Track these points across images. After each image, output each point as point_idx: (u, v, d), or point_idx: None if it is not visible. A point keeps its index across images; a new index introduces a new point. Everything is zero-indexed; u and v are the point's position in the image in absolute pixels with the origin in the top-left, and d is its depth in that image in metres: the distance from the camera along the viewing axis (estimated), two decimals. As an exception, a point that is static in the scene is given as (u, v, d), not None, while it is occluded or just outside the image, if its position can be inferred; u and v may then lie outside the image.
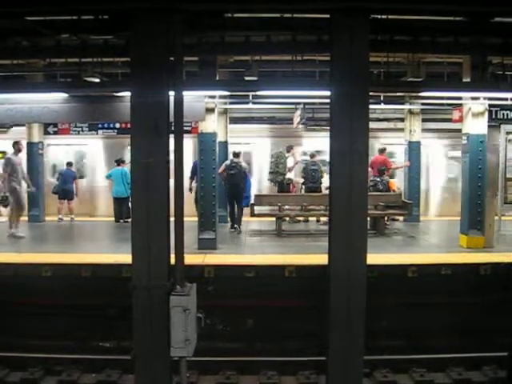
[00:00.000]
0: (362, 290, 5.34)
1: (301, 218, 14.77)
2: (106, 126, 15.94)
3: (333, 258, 5.38)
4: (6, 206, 15.09)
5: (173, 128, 5.34)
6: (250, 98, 13.74)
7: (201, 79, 10.08)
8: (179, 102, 5.31)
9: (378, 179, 13.95)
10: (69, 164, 15.86)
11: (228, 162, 13.49)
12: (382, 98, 13.89)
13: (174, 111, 5.29)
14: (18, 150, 12.86)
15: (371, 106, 11.90)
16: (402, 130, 15.88)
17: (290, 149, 15.35)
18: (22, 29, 7.80)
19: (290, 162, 15.05)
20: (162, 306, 5.22)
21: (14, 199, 12.50)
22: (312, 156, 14.98)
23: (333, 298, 5.37)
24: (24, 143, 14.12)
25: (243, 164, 13.63)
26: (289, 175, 15.00)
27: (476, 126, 11.02)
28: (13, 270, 9.63)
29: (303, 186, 15.03)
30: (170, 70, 5.22)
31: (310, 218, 14.88)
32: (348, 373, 5.42)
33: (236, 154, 13.64)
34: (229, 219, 14.17)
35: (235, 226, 13.60)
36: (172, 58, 5.25)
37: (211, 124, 11.21)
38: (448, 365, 8.44)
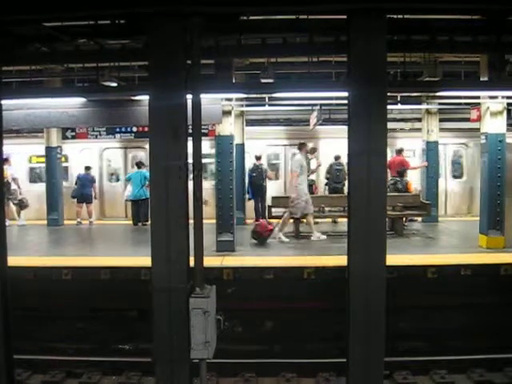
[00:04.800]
0: (382, 291, 5.30)
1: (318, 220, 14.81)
2: (123, 129, 16.06)
3: (352, 259, 5.35)
4: (22, 209, 15.37)
5: (191, 131, 5.36)
6: (267, 100, 13.75)
7: (217, 82, 10.10)
8: (197, 104, 5.33)
9: (398, 178, 13.95)
10: (87, 168, 16.00)
11: (251, 166, 15.51)
12: (398, 99, 13.82)
13: (192, 114, 5.31)
14: (305, 152, 12.86)
15: (388, 107, 11.94)
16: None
17: (313, 151, 15.45)
18: (41, 35, 7.90)
19: (313, 164, 15.18)
20: (181, 308, 5.23)
21: (296, 204, 12.35)
22: (337, 158, 15.12)
23: (352, 300, 5.34)
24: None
25: (264, 166, 15.66)
26: (311, 177, 15.13)
27: (494, 125, 10.92)
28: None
29: (326, 187, 15.18)
30: (188, 72, 5.24)
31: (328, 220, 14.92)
32: (368, 374, 5.39)
33: (257, 158, 15.49)
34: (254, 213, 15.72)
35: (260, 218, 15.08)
36: (189, 61, 5.27)
37: (228, 127, 11.25)
38: (469, 366, 8.38)
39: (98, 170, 17.20)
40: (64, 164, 16.67)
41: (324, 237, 12.52)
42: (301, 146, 12.89)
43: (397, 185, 13.86)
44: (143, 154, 17.05)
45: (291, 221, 12.82)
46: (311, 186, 15.18)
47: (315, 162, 15.45)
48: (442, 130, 16.11)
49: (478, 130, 15.95)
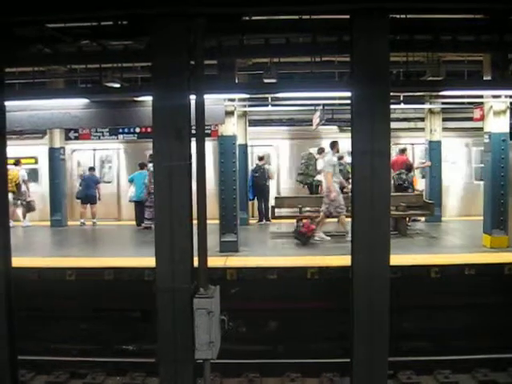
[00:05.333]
0: (386, 291, 5.30)
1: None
2: (126, 130, 16.09)
3: (356, 259, 5.35)
4: (29, 211, 15.42)
5: (194, 131, 5.36)
6: (269, 100, 13.73)
7: (220, 82, 10.10)
8: (201, 105, 5.33)
9: (404, 171, 13.96)
10: (91, 169, 16.00)
11: (253, 166, 15.70)
12: (401, 98, 13.79)
13: (195, 114, 5.31)
14: (337, 151, 12.77)
15: (391, 106, 11.89)
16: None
17: (321, 151, 15.45)
18: (43, 36, 7.91)
19: (319, 165, 15.15)
20: (185, 309, 5.24)
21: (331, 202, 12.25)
22: (340, 158, 15.07)
23: (356, 300, 5.34)
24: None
25: (266, 166, 15.74)
26: (318, 177, 15.10)
27: (498, 124, 10.90)
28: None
29: None
30: (191, 73, 5.24)
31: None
32: (372, 374, 5.39)
33: (260, 158, 15.57)
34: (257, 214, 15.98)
35: (263, 219, 15.61)
36: (193, 62, 5.28)
37: (231, 127, 11.25)
38: (473, 366, 8.36)
39: (68, 171, 17.08)
40: (34, 166, 16.78)
41: (328, 238, 12.49)
42: (332, 145, 12.67)
43: (401, 175, 13.82)
44: (112, 154, 17.27)
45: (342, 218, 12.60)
46: (318, 187, 15.20)
47: (322, 162, 15.41)
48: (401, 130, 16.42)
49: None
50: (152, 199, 14.21)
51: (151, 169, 14.28)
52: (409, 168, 14.19)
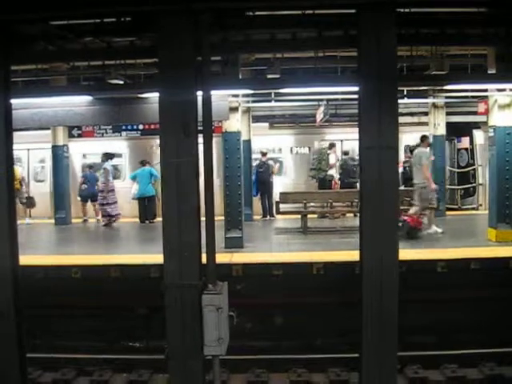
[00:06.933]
0: (394, 286, 5.29)
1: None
2: (129, 127, 16.09)
3: (364, 254, 5.33)
4: (29, 207, 15.46)
5: (201, 127, 5.34)
6: (273, 95, 13.71)
7: (225, 78, 10.07)
8: (208, 101, 5.31)
9: (408, 164, 13.95)
10: (90, 167, 15.96)
11: (257, 162, 15.73)
12: (405, 93, 13.77)
13: (202, 111, 5.29)
14: (427, 144, 12.82)
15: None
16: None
17: (331, 146, 15.56)
18: (47, 34, 7.90)
19: (331, 159, 15.23)
20: (194, 305, 5.23)
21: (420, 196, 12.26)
22: (346, 153, 15.22)
23: (364, 294, 5.32)
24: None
25: (270, 162, 15.91)
26: (330, 172, 15.18)
27: (502, 118, 10.87)
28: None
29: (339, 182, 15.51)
30: (198, 69, 5.22)
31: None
32: (381, 369, 5.37)
33: (263, 154, 15.71)
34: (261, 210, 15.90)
35: (268, 215, 15.65)
36: (199, 58, 5.25)
37: (235, 123, 11.23)
38: (479, 360, 8.34)
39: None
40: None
41: (440, 230, 12.41)
42: (423, 139, 12.68)
43: (406, 174, 13.86)
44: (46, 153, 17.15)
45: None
46: (330, 182, 15.25)
47: (334, 157, 15.49)
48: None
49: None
50: (108, 196, 14.44)
51: (106, 167, 14.48)
52: (411, 150, 14.14)
